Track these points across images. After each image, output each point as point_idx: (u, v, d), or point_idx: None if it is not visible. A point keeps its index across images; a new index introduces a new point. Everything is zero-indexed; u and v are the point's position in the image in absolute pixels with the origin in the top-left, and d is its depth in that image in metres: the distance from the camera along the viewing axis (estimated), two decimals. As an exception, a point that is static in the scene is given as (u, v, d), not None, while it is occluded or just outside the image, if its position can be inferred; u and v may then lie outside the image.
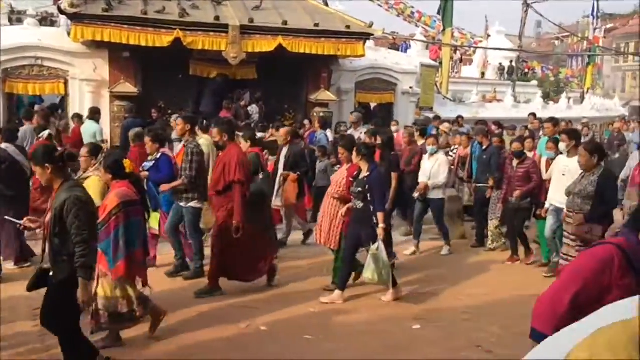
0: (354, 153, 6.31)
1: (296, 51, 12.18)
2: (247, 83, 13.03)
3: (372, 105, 15.76)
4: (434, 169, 8.26)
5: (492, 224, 8.61)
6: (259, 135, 10.36)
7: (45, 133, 7.90)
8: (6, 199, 6.84)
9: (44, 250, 4.17)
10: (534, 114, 14.06)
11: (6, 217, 5.53)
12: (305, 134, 11.13)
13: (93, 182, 5.32)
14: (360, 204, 6.13)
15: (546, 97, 27.24)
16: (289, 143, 8.48)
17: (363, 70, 14.81)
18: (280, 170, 8.40)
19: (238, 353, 5.03)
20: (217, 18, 11.73)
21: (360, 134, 10.22)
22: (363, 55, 13.28)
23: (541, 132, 13.14)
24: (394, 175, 7.77)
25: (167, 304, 5.99)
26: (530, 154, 8.59)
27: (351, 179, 6.39)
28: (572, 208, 5.97)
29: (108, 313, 4.80)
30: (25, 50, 11.66)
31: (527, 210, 8.00)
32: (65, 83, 12.01)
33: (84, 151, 5.69)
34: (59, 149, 4.47)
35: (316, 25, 12.31)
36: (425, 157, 8.57)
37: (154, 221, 6.93)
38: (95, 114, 10.50)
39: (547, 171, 8.05)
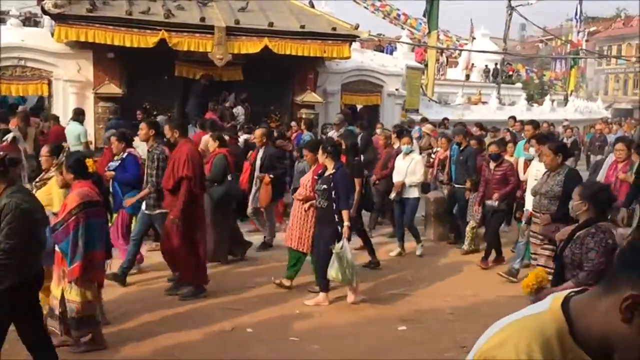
0: (320, 151, 6.26)
1: (282, 53, 12.17)
2: (233, 84, 13.00)
3: (359, 107, 15.80)
4: (409, 168, 8.22)
5: (469, 225, 8.57)
6: (244, 137, 10.37)
7: (10, 136, 7.60)
8: None
9: None
10: (513, 117, 14.20)
11: None
12: (292, 135, 11.13)
13: (54, 182, 5.27)
14: (324, 203, 6.07)
15: (530, 99, 27.50)
16: (264, 145, 8.43)
17: (349, 72, 14.84)
18: (257, 173, 8.36)
19: (224, 355, 5.01)
20: (202, 19, 11.68)
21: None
22: (349, 57, 13.31)
23: (523, 134, 13.29)
24: (357, 180, 7.56)
25: (148, 306, 6.00)
26: (511, 159, 8.56)
27: (316, 177, 6.33)
28: (539, 208, 5.95)
29: (72, 316, 4.71)
30: (8, 50, 11.51)
31: (503, 212, 8.00)
32: (49, 84, 11.89)
33: (44, 151, 5.60)
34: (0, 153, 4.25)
35: (302, 26, 12.32)
36: (400, 156, 8.50)
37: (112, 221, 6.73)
38: (79, 115, 10.40)
39: (524, 172, 8.11)
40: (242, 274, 7.30)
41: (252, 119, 12.45)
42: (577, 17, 31.84)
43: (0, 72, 11.49)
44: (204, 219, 6.63)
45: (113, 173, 6.76)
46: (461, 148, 8.96)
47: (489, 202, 7.89)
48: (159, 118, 11.05)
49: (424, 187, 10.43)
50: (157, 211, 6.50)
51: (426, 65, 21.12)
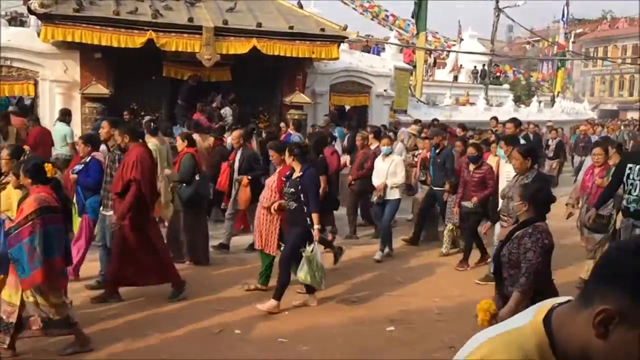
0: (286, 153, 6.21)
1: (271, 53, 12.16)
2: (222, 85, 12.97)
3: (347, 107, 15.83)
4: (390, 169, 8.17)
5: (447, 228, 8.53)
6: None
7: None
8: None
9: None
10: (495, 118, 14.31)
11: None
12: (281, 136, 11.11)
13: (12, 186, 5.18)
14: (293, 205, 6.02)
15: (517, 100, 27.65)
16: (242, 146, 8.40)
17: (337, 73, 14.86)
18: (236, 174, 8.31)
19: (213, 356, 5.00)
20: (190, 19, 11.65)
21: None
22: (337, 58, 13.32)
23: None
24: (322, 178, 7.47)
25: (135, 306, 5.97)
26: (495, 159, 8.49)
27: (284, 179, 6.28)
28: (506, 212, 5.90)
29: (52, 318, 4.65)
30: (-7, 50, 11.43)
31: (479, 214, 7.88)
32: (35, 84, 11.80)
33: (4, 153, 5.48)
34: None
35: (291, 27, 12.32)
36: (379, 158, 8.44)
37: (75, 226, 6.57)
38: (65, 116, 10.31)
39: None
40: (229, 275, 7.28)
41: (241, 120, 12.43)
42: (564, 19, 32.08)
43: (-14, 72, 11.40)
44: (155, 223, 6.48)
45: (76, 176, 6.60)
46: (437, 150, 8.96)
47: (464, 203, 7.84)
48: (147, 119, 11.04)
49: (410, 189, 10.47)
50: (110, 212, 6.23)
51: (414, 66, 21.19)
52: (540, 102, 26.87)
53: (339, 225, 9.46)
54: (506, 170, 7.04)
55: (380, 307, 6.34)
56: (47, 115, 11.56)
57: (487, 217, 7.61)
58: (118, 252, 6.02)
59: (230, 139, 10.29)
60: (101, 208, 6.37)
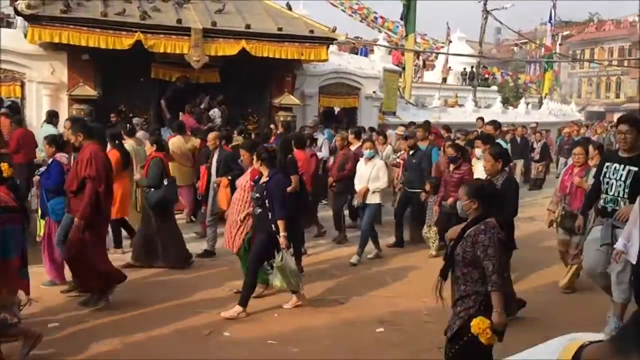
0: (254, 157, 6.14)
1: (260, 55, 12.13)
2: (210, 86, 12.93)
3: (336, 109, 15.84)
4: (372, 174, 8.10)
5: (433, 230, 8.50)
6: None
7: None
8: None
9: None
10: (481, 118, 14.40)
11: None
12: (271, 138, 11.09)
13: None
14: (258, 210, 5.97)
15: (506, 102, 27.84)
16: (218, 147, 8.38)
17: (327, 75, 14.87)
18: (213, 177, 8.26)
19: (202, 358, 4.99)
20: (179, 21, 11.59)
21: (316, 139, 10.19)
22: (326, 60, 13.32)
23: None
24: (293, 178, 7.44)
25: (122, 307, 5.93)
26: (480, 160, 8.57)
27: (252, 183, 6.24)
28: None
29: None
30: (-21, 52, 11.31)
31: (457, 215, 7.91)
32: (22, 86, 11.67)
33: None
34: None
35: (279, 29, 12.30)
36: (362, 161, 8.37)
37: (42, 229, 6.48)
38: (52, 118, 10.24)
39: None
40: (216, 277, 7.27)
41: (230, 122, 12.40)
42: (551, 21, 32.32)
43: (-28, 74, 11.29)
44: (107, 224, 6.36)
45: (38, 178, 6.52)
46: (411, 152, 8.95)
47: (444, 203, 7.86)
48: (135, 120, 11.00)
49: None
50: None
51: (403, 68, 21.26)
52: (528, 103, 27.06)
53: (328, 227, 9.48)
54: (480, 169, 7.03)
55: (369, 308, 6.35)
56: (34, 117, 11.47)
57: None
58: (70, 254, 5.89)
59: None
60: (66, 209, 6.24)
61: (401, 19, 21.41)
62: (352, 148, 9.35)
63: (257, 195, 5.96)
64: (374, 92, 15.91)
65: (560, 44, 38.70)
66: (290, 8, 14.22)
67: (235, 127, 11.45)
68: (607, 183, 5.37)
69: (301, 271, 7.41)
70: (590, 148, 7.22)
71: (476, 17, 27.96)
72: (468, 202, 3.88)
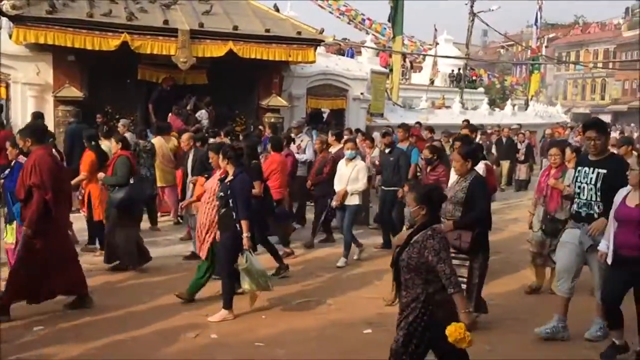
0: (220, 156, 6.05)
1: (247, 56, 12.13)
2: (198, 88, 12.89)
3: (325, 111, 15.86)
4: (352, 175, 8.05)
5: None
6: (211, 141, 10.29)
7: None
8: None
9: None
10: (467, 121, 14.52)
11: None
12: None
13: None
14: (222, 210, 5.89)
15: (492, 104, 27.98)
16: (192, 148, 8.29)
17: (314, 76, 14.89)
18: (189, 177, 8.20)
19: (188, 362, 4.98)
20: (166, 22, 11.56)
21: (300, 140, 10.12)
22: (314, 61, 13.34)
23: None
24: (256, 183, 7.26)
25: (107, 309, 5.90)
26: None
27: (218, 182, 6.15)
28: (444, 214, 5.67)
29: None
30: (-36, 53, 11.19)
31: None
32: (7, 87, 11.58)
33: None
34: None
35: (267, 30, 12.30)
36: (342, 162, 8.31)
37: (10, 235, 6.17)
38: (38, 119, 10.13)
39: None
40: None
41: (217, 123, 12.37)
42: (537, 23, 32.59)
43: (-45, 75, 11.17)
44: (60, 230, 6.01)
45: (1, 181, 6.34)
46: (387, 150, 8.95)
47: None
48: (122, 122, 10.93)
49: None
50: None
51: (391, 70, 21.32)
52: (514, 105, 27.23)
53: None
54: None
55: (357, 309, 6.35)
56: (20, 118, 11.37)
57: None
58: (20, 262, 5.67)
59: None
60: None
61: (389, 20, 21.48)
62: (333, 150, 9.25)
63: (222, 194, 5.87)
64: (361, 93, 15.96)
65: (546, 46, 39.04)
66: (277, 9, 14.22)
67: (223, 129, 11.41)
68: (580, 187, 5.35)
69: (286, 269, 7.46)
70: (568, 150, 7.12)
71: (463, 19, 28.15)
72: (417, 208, 3.83)
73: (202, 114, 12.50)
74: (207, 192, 6.45)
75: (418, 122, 14.87)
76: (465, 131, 9.57)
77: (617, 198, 4.93)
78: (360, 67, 17.00)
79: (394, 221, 8.84)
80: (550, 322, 5.51)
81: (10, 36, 11.24)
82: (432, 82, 29.03)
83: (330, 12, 28.42)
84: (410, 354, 3.74)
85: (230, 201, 5.78)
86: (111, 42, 11.11)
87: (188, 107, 12.63)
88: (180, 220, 9.95)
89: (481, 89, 31.65)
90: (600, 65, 55.34)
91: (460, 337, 3.50)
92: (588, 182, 5.27)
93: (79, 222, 8.36)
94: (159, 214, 9.96)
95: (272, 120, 12.69)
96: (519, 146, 16.15)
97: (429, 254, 3.66)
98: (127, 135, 10.37)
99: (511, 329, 5.86)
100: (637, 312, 4.90)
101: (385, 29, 27.88)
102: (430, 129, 13.14)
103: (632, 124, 41.95)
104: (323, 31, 13.43)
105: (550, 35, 61.10)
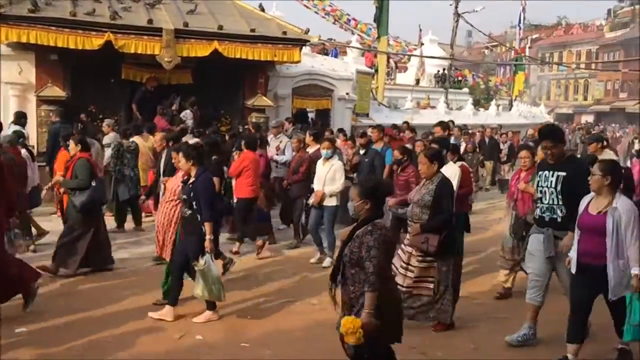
0: (181, 157, 5.85)
1: (232, 56, 12.08)
2: (183, 88, 12.83)
3: (311, 111, 15.86)
4: (329, 175, 7.95)
5: None
6: (194, 140, 10.22)
7: None
8: None
9: None
10: (451, 121, 14.49)
11: None
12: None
13: None
14: (187, 212, 5.77)
15: (477, 104, 28.16)
16: (165, 148, 8.23)
17: (300, 76, 14.88)
18: (161, 178, 8.11)
19: (173, 363, 4.95)
20: (150, 21, 11.48)
21: (279, 142, 10.05)
22: (299, 61, 13.34)
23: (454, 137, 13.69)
24: (216, 180, 7.10)
25: (93, 311, 5.85)
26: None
27: (181, 184, 6.03)
28: (411, 217, 5.72)
29: None
30: (-56, 51, 11.03)
31: (403, 220, 7.43)
32: (-12, 86, 11.45)
33: None
34: None
35: (252, 30, 12.27)
36: (320, 162, 8.25)
37: None
38: (20, 119, 10.02)
39: None
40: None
41: (203, 123, 12.32)
42: (520, 24, 32.85)
43: None
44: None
45: None
46: (362, 151, 8.93)
47: (385, 208, 7.74)
48: (106, 121, 10.85)
49: None
50: None
51: (376, 70, 21.38)
52: (498, 105, 27.44)
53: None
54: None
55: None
56: (1, 118, 11.18)
57: None
58: None
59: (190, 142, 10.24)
60: None
61: (374, 21, 21.54)
62: (311, 150, 9.14)
63: (185, 196, 5.77)
64: (347, 93, 15.98)
65: (529, 47, 39.35)
66: (263, 9, 14.20)
67: (208, 129, 11.37)
68: (542, 192, 5.29)
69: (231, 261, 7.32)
70: (540, 152, 7.06)
71: (447, 20, 28.32)
72: (360, 202, 3.81)
73: (187, 114, 12.43)
74: (167, 191, 6.33)
75: (405, 122, 14.91)
76: (437, 130, 9.57)
77: (581, 205, 4.82)
78: (346, 67, 17.03)
79: None
80: (520, 330, 5.48)
81: (-9, 35, 11.10)
82: (417, 82, 29.16)
83: (315, 12, 28.43)
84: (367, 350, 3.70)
85: (194, 203, 5.68)
86: (94, 42, 11.02)
87: (173, 107, 12.57)
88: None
89: (466, 90, 31.85)
90: (582, 66, 55.97)
91: (351, 331, 3.50)
92: (549, 185, 5.20)
93: (56, 223, 8.26)
94: (143, 215, 9.88)
95: (259, 120, 12.66)
96: (501, 146, 16.26)
97: (363, 249, 3.65)
98: (112, 135, 10.34)
99: (495, 328, 5.89)
100: (612, 314, 4.84)
101: (370, 29, 27.95)
102: (412, 129, 13.20)
103: (613, 124, 42.54)
104: (308, 31, 13.42)
105: (534, 36, 61.68)
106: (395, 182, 7.73)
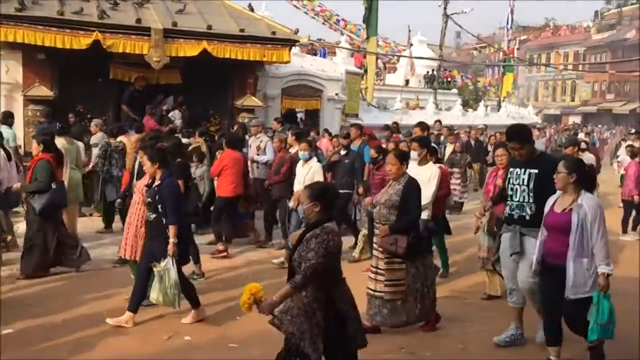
0: (148, 161, 5.71)
1: (221, 56, 12.04)
2: (171, 88, 12.78)
3: (301, 112, 15.85)
4: (307, 177, 7.74)
5: (361, 233, 8.34)
6: (183, 141, 10.18)
7: None
8: None
9: None
10: (439, 121, 14.65)
11: None
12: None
13: None
14: (152, 216, 5.63)
15: (465, 104, 28.28)
16: (139, 150, 8.21)
17: (289, 77, 14.87)
18: (135, 181, 8.09)
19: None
20: (138, 20, 11.42)
21: (260, 141, 10.01)
22: (289, 62, 13.31)
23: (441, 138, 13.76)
24: (180, 182, 6.87)
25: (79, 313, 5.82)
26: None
27: (145, 187, 5.93)
28: (379, 219, 5.65)
29: None
30: None
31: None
32: (-25, 86, 11.35)
33: None
34: None
35: (242, 30, 12.24)
36: (300, 163, 8.17)
37: None
38: (7, 119, 9.92)
39: None
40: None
41: (191, 123, 12.28)
42: (508, 25, 33.02)
43: None
44: None
45: None
46: (344, 152, 8.93)
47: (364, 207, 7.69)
48: (94, 121, 10.78)
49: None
50: None
51: (365, 71, 21.41)
52: (487, 106, 27.57)
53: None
54: (414, 173, 6.58)
55: (331, 310, 6.35)
56: (-12, 117, 11.12)
57: None
58: None
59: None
60: None
61: (363, 22, 21.58)
62: (293, 150, 9.05)
63: (150, 200, 5.63)
64: (336, 94, 16.00)
65: (517, 48, 39.57)
66: (252, 9, 14.17)
67: (197, 129, 11.32)
68: (512, 189, 5.23)
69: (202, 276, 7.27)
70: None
71: (436, 21, 28.43)
72: (310, 205, 3.77)
73: (176, 114, 12.39)
74: (136, 192, 6.24)
75: (395, 123, 14.96)
76: (416, 130, 9.59)
77: (547, 205, 4.77)
78: (335, 67, 17.04)
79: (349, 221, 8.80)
80: (508, 331, 5.48)
81: (-23, 34, 11.00)
82: (407, 82, 29.24)
83: (305, 13, 28.46)
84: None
85: (159, 207, 5.56)
86: (82, 41, 10.94)
87: (165, 107, 12.51)
88: None
89: (454, 90, 31.97)
90: (570, 67, 56.40)
91: (246, 300, 3.65)
92: (520, 183, 5.16)
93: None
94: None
95: (246, 120, 12.62)
96: (489, 148, 16.26)
97: (308, 251, 3.61)
98: (99, 135, 10.28)
99: (484, 327, 5.92)
100: (565, 313, 4.74)
101: (359, 29, 28.00)
102: (397, 129, 13.30)
103: (600, 125, 42.92)
104: (298, 31, 13.42)
105: (522, 38, 62.01)
106: (371, 181, 7.73)
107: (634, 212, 10.80)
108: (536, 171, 5.10)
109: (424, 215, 6.68)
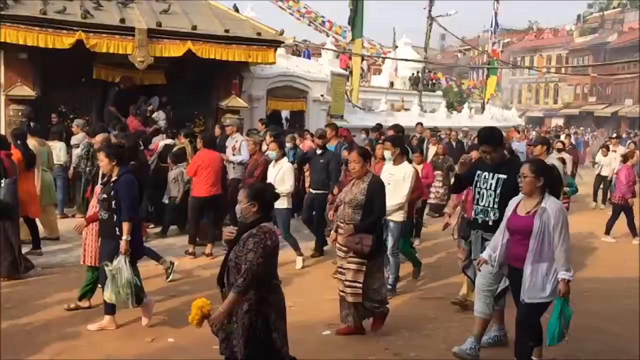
0: (106, 158, 5.57)
1: (206, 57, 11.98)
2: (156, 88, 12.69)
3: (286, 113, 15.84)
4: (277, 177, 7.76)
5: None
6: (167, 141, 10.13)
7: None
8: None
9: None
10: (420, 123, 14.67)
11: None
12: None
13: None
14: (105, 214, 5.49)
15: (450, 106, 28.46)
16: None
17: (274, 78, 14.84)
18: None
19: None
20: (122, 20, 11.32)
21: (235, 141, 9.97)
22: (274, 63, 13.29)
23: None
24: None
25: (64, 316, 5.76)
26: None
27: (101, 184, 5.84)
28: (343, 218, 5.58)
29: None
30: None
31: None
32: (-45, 85, 11.19)
33: None
34: None
35: (226, 31, 12.19)
36: (271, 164, 8.17)
37: None
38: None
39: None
40: (156, 281, 7.13)
41: (176, 124, 12.19)
42: (492, 28, 33.26)
43: None
44: None
45: None
46: (319, 152, 8.92)
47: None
48: (76, 122, 10.68)
49: None
50: None
51: (351, 72, 21.46)
52: (471, 108, 27.77)
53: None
54: (388, 173, 6.73)
55: (317, 311, 6.35)
56: (-32, 117, 10.99)
57: None
58: None
59: (162, 143, 10.14)
60: None
61: (349, 23, 21.63)
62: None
63: (104, 196, 5.49)
64: (321, 95, 16.00)
65: (501, 51, 39.89)
66: (237, 10, 14.14)
67: (182, 130, 11.25)
68: (479, 193, 5.16)
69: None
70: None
71: (421, 23, 28.55)
72: (248, 205, 3.78)
73: (160, 115, 12.31)
74: (95, 195, 6.01)
75: (379, 124, 15.00)
76: (390, 132, 9.63)
77: (509, 208, 4.64)
78: (321, 69, 17.06)
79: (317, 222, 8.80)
80: (491, 332, 5.45)
81: (-42, 33, 10.84)
82: (391, 84, 29.35)
83: (290, 14, 28.45)
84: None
85: (114, 203, 5.43)
86: (65, 40, 10.83)
87: (150, 108, 12.42)
88: None
89: (439, 92, 32.17)
90: (553, 70, 56.96)
91: (194, 317, 3.60)
92: (487, 187, 5.10)
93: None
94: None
95: (227, 121, 12.55)
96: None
97: (247, 252, 3.60)
98: (80, 135, 10.18)
99: (469, 328, 5.92)
100: (517, 317, 4.69)
101: (345, 31, 28.02)
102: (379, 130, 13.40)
103: (582, 127, 43.39)
104: (283, 32, 13.40)
105: (506, 40, 62.52)
106: (345, 181, 7.71)
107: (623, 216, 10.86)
108: (505, 177, 5.03)
109: (400, 216, 6.71)
